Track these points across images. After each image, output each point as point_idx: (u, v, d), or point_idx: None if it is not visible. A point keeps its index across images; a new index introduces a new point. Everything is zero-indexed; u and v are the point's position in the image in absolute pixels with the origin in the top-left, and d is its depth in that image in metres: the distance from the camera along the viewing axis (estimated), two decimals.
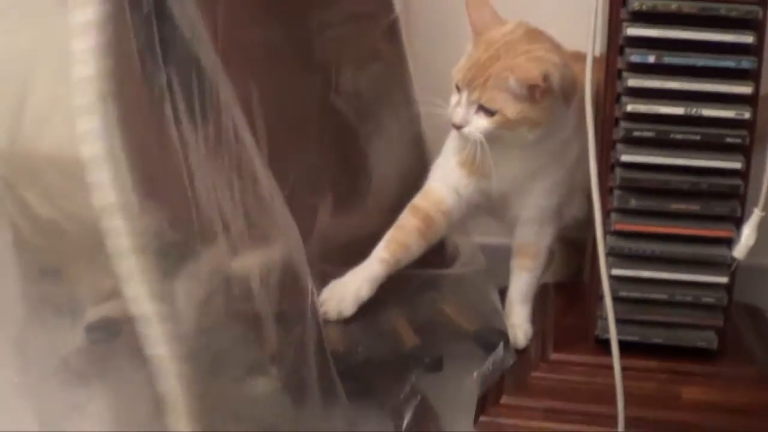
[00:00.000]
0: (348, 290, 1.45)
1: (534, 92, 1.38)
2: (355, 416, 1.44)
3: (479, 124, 1.41)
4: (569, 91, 1.44)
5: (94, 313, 1.52)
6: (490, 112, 1.40)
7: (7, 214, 1.52)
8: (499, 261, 1.63)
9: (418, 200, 1.53)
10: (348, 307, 1.45)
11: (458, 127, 1.42)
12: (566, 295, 1.68)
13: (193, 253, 1.36)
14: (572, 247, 1.70)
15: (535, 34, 1.45)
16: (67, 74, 1.40)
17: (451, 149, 1.51)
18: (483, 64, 1.40)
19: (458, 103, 1.42)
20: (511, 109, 1.39)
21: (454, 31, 1.49)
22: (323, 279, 1.46)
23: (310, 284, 1.36)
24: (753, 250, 1.70)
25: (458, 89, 1.43)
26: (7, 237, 1.47)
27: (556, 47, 1.46)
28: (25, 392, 1.42)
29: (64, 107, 1.41)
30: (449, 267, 1.63)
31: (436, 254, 1.64)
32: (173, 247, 1.33)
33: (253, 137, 1.34)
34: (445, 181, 1.52)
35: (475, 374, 1.51)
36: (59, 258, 1.55)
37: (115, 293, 1.50)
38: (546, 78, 1.37)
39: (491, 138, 1.41)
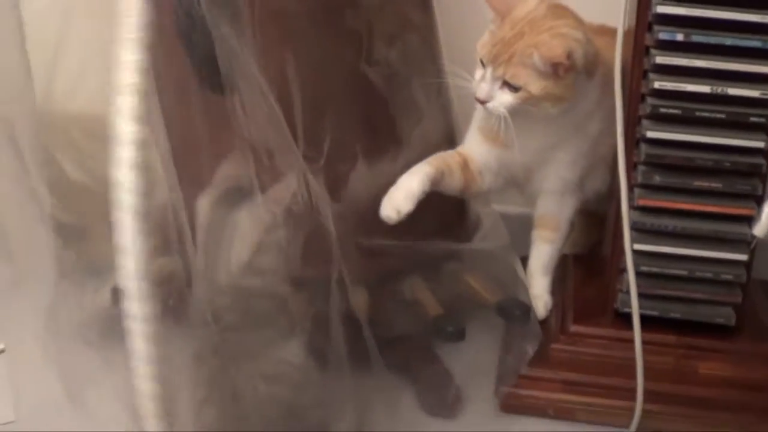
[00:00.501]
0: (400, 189, 1.42)
1: (557, 69, 1.38)
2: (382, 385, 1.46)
3: (503, 99, 1.41)
4: (592, 65, 1.44)
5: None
6: (514, 88, 1.41)
7: (44, 176, 1.53)
8: (517, 230, 1.63)
9: (459, 149, 1.55)
10: (403, 203, 1.41)
11: (482, 102, 1.43)
12: (585, 267, 1.69)
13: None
14: (591, 218, 1.71)
15: (558, 10, 1.45)
16: (100, 35, 1.41)
17: (477, 120, 1.52)
18: (508, 41, 1.40)
19: (483, 78, 1.43)
20: (534, 85, 1.39)
21: (481, 2, 1.49)
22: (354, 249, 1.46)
23: (336, 251, 1.37)
24: None
25: (483, 64, 1.44)
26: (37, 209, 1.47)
27: (579, 22, 1.46)
28: (53, 356, 1.43)
29: (97, 67, 1.43)
30: (471, 237, 1.63)
31: (458, 223, 1.66)
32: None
33: (289, 106, 1.35)
34: (474, 147, 1.54)
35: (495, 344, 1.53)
36: (88, 220, 1.56)
37: None
38: (569, 55, 1.37)
39: (514, 112, 1.42)
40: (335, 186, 1.41)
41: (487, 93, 1.42)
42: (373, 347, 1.40)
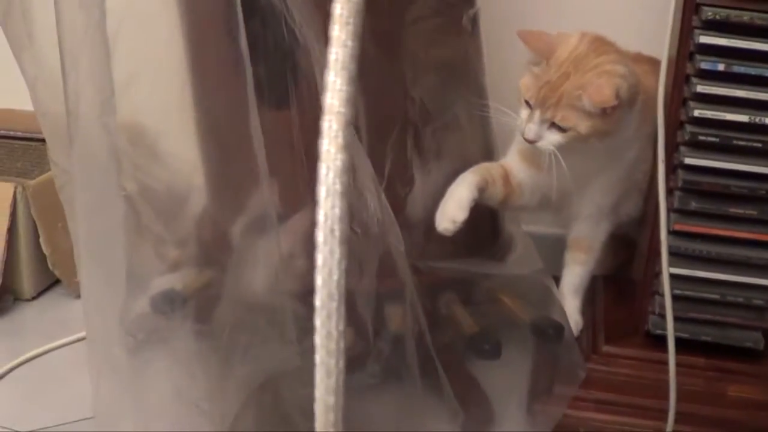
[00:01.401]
0: (452, 199, 1.45)
1: (606, 109, 1.41)
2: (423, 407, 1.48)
3: (552, 139, 1.44)
4: (634, 96, 1.47)
5: (158, 284, 1.56)
6: (563, 129, 1.43)
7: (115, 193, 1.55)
8: (546, 250, 1.66)
9: (502, 162, 1.57)
10: (457, 212, 1.43)
11: (531, 142, 1.45)
12: (615, 289, 1.72)
13: None
14: (621, 241, 1.74)
15: (600, 45, 1.47)
16: (146, 46, 1.44)
17: (518, 142, 1.54)
18: (554, 84, 1.42)
19: (530, 119, 1.45)
20: (583, 125, 1.42)
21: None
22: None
23: (405, 270, 1.39)
24: None
25: (529, 105, 1.46)
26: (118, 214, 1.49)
27: (622, 55, 1.48)
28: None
29: (144, 78, 1.45)
30: (504, 257, 1.66)
31: (492, 242, 1.68)
32: None
33: (356, 128, 1.37)
34: (514, 168, 1.56)
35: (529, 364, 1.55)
36: (132, 227, 1.58)
37: (178, 264, 1.55)
38: (618, 95, 1.39)
39: (562, 148, 1.45)
40: (397, 208, 1.43)
41: (536, 134, 1.44)
42: (440, 368, 1.42)
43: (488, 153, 1.60)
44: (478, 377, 1.56)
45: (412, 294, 1.38)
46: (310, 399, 1.33)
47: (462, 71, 1.52)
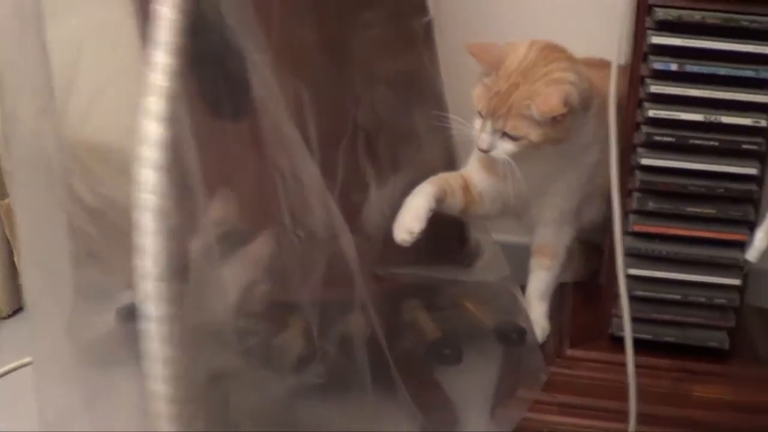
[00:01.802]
0: (408, 210, 1.45)
1: (556, 117, 1.41)
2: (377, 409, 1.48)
3: (505, 147, 1.45)
4: (587, 101, 1.47)
5: (126, 297, 1.56)
6: (514, 138, 1.44)
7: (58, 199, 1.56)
8: (516, 259, 1.66)
9: (462, 172, 1.57)
10: (414, 223, 1.43)
11: (486, 152, 1.46)
12: (583, 294, 1.72)
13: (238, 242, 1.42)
14: (591, 248, 1.74)
15: (549, 53, 1.47)
16: (111, 65, 1.45)
17: (476, 152, 1.54)
18: (504, 94, 1.43)
19: (483, 129, 1.46)
20: (534, 134, 1.42)
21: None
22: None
23: (358, 275, 1.39)
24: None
25: (481, 116, 1.47)
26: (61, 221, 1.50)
27: (572, 61, 1.49)
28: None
29: (108, 97, 1.46)
30: (471, 264, 1.66)
31: (459, 249, 1.68)
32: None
33: (306, 136, 1.38)
34: (474, 177, 1.56)
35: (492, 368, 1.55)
36: (99, 243, 1.59)
37: None
38: (566, 102, 1.40)
39: (516, 156, 1.45)
40: (351, 216, 1.44)
41: (489, 143, 1.45)
42: (394, 370, 1.43)
43: (449, 163, 1.60)
44: (443, 382, 1.57)
45: (362, 299, 1.38)
46: (257, 402, 1.34)
47: (417, 81, 1.53)
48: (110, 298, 1.57)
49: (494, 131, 1.44)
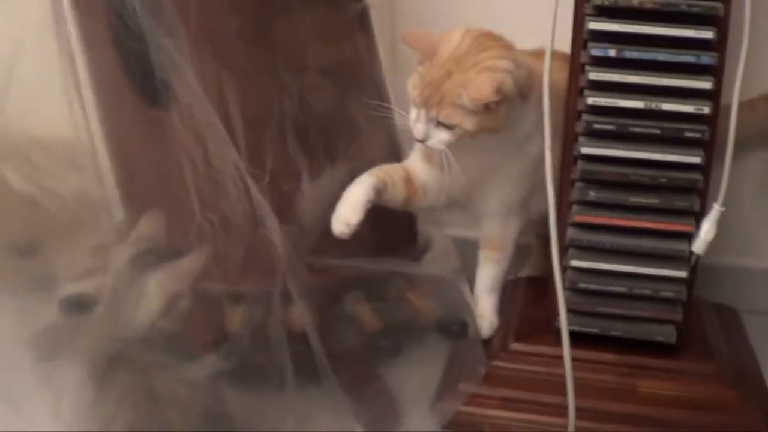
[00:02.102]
0: (346, 202, 1.42)
1: (489, 105, 1.38)
2: (317, 400, 1.46)
3: (441, 137, 1.42)
4: (525, 89, 1.44)
5: (69, 288, 1.55)
6: (449, 126, 1.41)
7: None
8: (471, 254, 1.64)
9: (404, 163, 1.55)
10: (351, 214, 1.41)
11: (421, 141, 1.44)
12: (536, 289, 1.68)
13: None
14: (548, 243, 1.71)
15: (483, 41, 1.44)
16: (52, 60, 1.44)
17: (416, 144, 1.51)
18: (437, 83, 1.41)
19: (418, 118, 1.43)
20: (469, 122, 1.40)
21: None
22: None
23: (280, 264, 1.38)
24: (735, 252, 1.73)
25: (416, 105, 1.44)
26: None
27: (506, 49, 1.46)
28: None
29: (49, 92, 1.46)
30: (420, 257, 1.64)
31: (408, 243, 1.66)
32: None
33: (229, 122, 1.37)
34: (417, 169, 1.54)
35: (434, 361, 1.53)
36: (37, 234, 1.59)
37: (92, 271, 1.54)
38: (499, 90, 1.37)
39: (453, 145, 1.43)
40: (283, 205, 1.43)
41: (424, 133, 1.43)
42: (321, 362, 1.41)
43: (393, 155, 1.58)
44: (385, 375, 1.55)
45: (290, 289, 1.36)
46: (186, 395, 1.32)
47: (353, 70, 1.51)
48: (53, 288, 1.56)
49: (428, 120, 1.42)
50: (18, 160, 1.56)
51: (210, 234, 1.36)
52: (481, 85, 1.37)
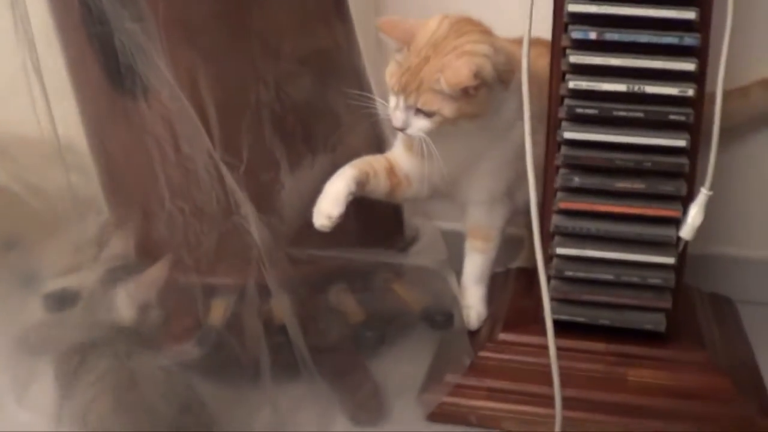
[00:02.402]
0: (327, 195, 1.41)
1: (467, 90, 1.36)
2: (300, 391, 1.45)
3: (420, 125, 1.40)
4: (505, 75, 1.42)
5: (53, 284, 1.55)
6: (428, 114, 1.39)
7: None
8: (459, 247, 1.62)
9: (387, 154, 1.53)
10: (333, 207, 1.40)
11: (401, 130, 1.42)
12: (526, 279, 1.66)
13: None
14: None
15: (461, 26, 1.42)
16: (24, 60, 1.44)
17: (398, 134, 1.50)
18: (414, 69, 1.39)
19: (396, 106, 1.42)
20: (447, 109, 1.38)
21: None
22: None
23: (256, 253, 1.37)
24: (732, 241, 1.71)
25: (394, 93, 1.43)
26: None
27: (485, 34, 1.44)
28: None
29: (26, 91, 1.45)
30: (407, 249, 1.62)
31: (394, 235, 1.64)
32: None
33: (202, 110, 1.36)
34: (399, 159, 1.52)
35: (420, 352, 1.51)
36: (21, 230, 1.58)
37: (76, 267, 1.54)
38: (477, 74, 1.35)
39: (433, 133, 1.41)
40: (260, 195, 1.41)
41: (403, 121, 1.41)
42: (301, 354, 1.39)
43: (376, 145, 1.57)
44: (370, 367, 1.53)
45: (260, 277, 1.35)
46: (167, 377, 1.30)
47: (332, 59, 1.49)
48: (37, 284, 1.56)
49: (407, 108, 1.40)
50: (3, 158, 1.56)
51: (181, 222, 1.35)
52: (458, 70, 1.35)
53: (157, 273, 1.40)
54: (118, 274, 1.44)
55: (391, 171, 1.50)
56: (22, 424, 1.38)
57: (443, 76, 1.35)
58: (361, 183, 1.44)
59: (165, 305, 1.38)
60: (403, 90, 1.39)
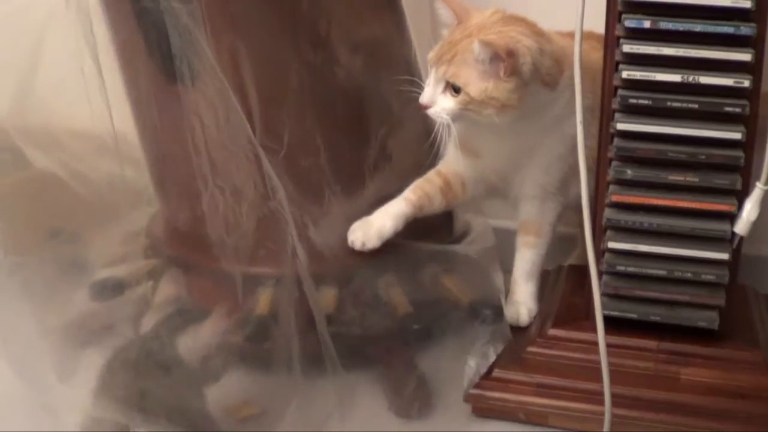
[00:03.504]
0: (373, 224, 1.45)
1: (498, 67, 1.34)
2: (345, 384, 1.44)
3: (445, 104, 1.39)
4: (549, 77, 1.41)
5: (100, 273, 1.55)
6: (455, 91, 1.37)
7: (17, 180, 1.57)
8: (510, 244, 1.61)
9: (441, 166, 1.54)
10: (372, 239, 1.44)
11: (425, 108, 1.40)
12: (578, 276, 1.63)
13: None
14: None
15: (512, 20, 1.42)
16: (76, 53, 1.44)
17: (452, 137, 1.48)
18: (454, 42, 1.38)
19: (429, 82, 1.41)
20: (474, 86, 1.36)
21: None
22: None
23: (292, 239, 1.36)
24: None
25: (431, 68, 1.42)
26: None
27: (535, 32, 1.42)
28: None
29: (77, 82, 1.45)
30: (456, 243, 1.61)
31: (445, 229, 1.63)
32: None
33: (244, 94, 1.35)
34: (453, 163, 1.52)
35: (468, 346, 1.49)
36: (69, 219, 1.59)
37: (124, 257, 1.54)
38: (511, 54, 1.33)
39: (462, 120, 1.39)
40: (300, 179, 1.41)
41: (429, 97, 1.40)
42: (329, 347, 1.39)
43: (425, 140, 1.53)
44: (420, 361, 1.53)
45: (296, 267, 1.35)
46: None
47: (382, 47, 1.48)
48: (84, 273, 1.56)
49: (437, 82, 1.39)
50: (49, 145, 1.57)
51: (221, 202, 1.35)
52: (495, 40, 1.34)
53: (214, 325, 1.41)
54: (175, 321, 1.44)
55: (446, 188, 1.52)
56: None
57: (477, 37, 1.34)
58: (413, 217, 1.49)
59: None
60: (438, 60, 1.39)
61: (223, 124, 1.30)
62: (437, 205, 1.51)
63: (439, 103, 1.39)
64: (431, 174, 1.53)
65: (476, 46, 1.33)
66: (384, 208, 1.47)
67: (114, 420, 1.31)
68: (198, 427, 1.30)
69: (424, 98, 1.40)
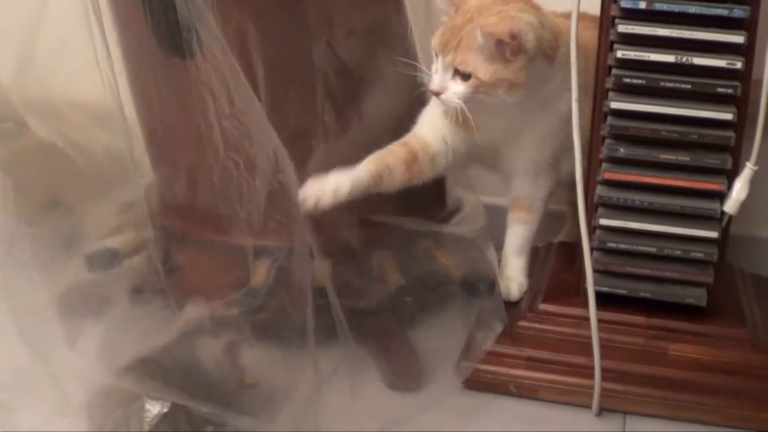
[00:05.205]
0: (328, 184, 1.40)
1: (504, 50, 1.36)
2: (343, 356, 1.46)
3: (456, 89, 1.39)
4: (550, 50, 1.42)
5: (96, 244, 1.56)
6: (465, 76, 1.38)
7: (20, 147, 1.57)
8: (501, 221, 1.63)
9: (408, 137, 1.51)
10: (325, 199, 1.39)
11: (436, 94, 1.41)
12: (568, 253, 1.65)
13: None
14: None
15: None
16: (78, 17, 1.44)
17: (437, 106, 1.49)
18: (457, 28, 1.39)
19: (435, 69, 1.42)
20: (483, 70, 1.37)
21: None
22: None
23: (299, 215, 1.37)
24: None
25: (436, 55, 1.42)
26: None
27: (533, 7, 1.43)
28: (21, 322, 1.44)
29: (75, 49, 1.46)
30: (449, 219, 1.62)
31: (436, 203, 1.64)
32: None
33: (251, 72, 1.36)
34: (432, 128, 1.51)
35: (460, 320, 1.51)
36: (66, 190, 1.59)
37: (120, 228, 1.55)
38: (514, 36, 1.34)
39: (470, 102, 1.40)
40: (308, 158, 1.42)
41: (439, 84, 1.41)
42: (340, 318, 1.39)
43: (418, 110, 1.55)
44: (412, 335, 1.55)
45: (303, 241, 1.35)
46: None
47: (382, 29, 1.48)
48: (80, 243, 1.57)
49: (445, 68, 1.40)
50: (48, 114, 1.57)
51: (235, 174, 1.36)
52: (496, 23, 1.35)
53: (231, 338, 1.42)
54: (195, 335, 1.44)
55: (411, 160, 1.48)
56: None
57: (480, 24, 1.35)
58: (369, 187, 1.43)
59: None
60: (443, 48, 1.40)
61: (235, 97, 1.30)
62: (399, 178, 1.46)
63: (450, 90, 1.40)
64: (394, 146, 1.49)
65: (479, 35, 1.35)
66: (342, 172, 1.42)
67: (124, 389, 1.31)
68: (210, 397, 1.31)
69: (435, 85, 1.40)
